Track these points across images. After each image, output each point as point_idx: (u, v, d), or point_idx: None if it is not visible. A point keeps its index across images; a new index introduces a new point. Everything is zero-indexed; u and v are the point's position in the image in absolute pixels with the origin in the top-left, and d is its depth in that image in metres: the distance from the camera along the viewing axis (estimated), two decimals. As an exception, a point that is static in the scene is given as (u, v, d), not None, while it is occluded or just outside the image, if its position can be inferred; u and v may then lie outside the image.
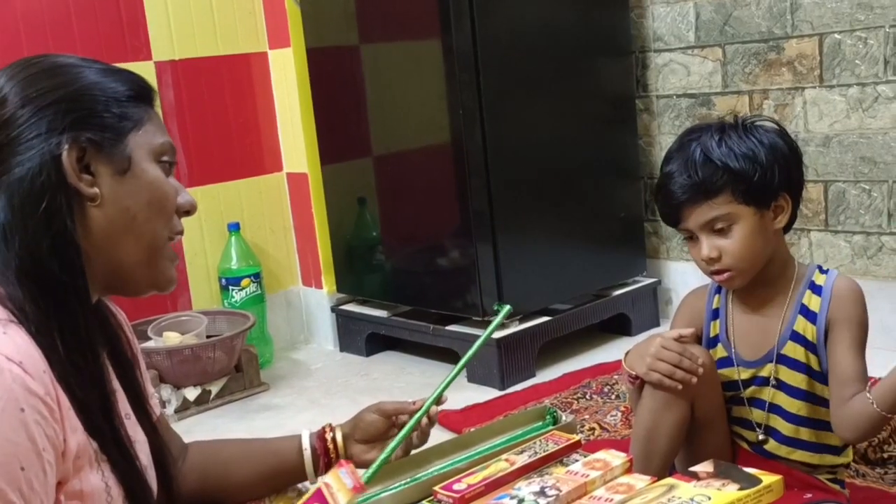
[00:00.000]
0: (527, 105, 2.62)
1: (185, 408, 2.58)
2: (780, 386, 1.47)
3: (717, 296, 1.55)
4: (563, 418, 1.36)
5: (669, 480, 1.08)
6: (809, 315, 1.44)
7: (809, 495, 1.45)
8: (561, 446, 1.22)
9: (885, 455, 1.85)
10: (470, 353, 1.35)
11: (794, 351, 1.45)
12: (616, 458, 1.15)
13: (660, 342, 1.45)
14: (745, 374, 1.49)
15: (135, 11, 2.77)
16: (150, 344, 2.60)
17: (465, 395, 2.49)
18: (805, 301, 1.45)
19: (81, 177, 1.03)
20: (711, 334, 1.54)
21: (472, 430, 1.60)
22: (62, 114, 1.03)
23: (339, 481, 1.15)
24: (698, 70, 2.81)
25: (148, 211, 1.08)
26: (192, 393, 2.60)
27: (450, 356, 2.73)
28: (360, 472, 1.28)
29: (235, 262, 2.93)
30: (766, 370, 1.47)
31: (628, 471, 1.14)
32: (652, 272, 2.99)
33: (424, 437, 1.39)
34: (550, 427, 1.34)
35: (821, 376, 1.44)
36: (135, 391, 1.18)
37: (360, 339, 2.99)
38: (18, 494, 0.91)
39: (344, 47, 2.87)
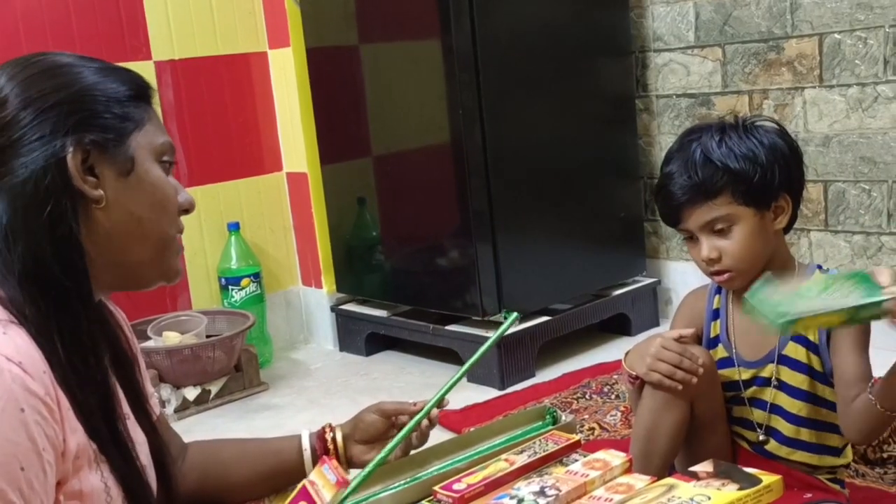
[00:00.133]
0: (527, 105, 2.62)
1: (184, 407, 2.58)
2: (782, 386, 1.46)
3: (717, 296, 1.54)
4: (563, 418, 1.36)
5: (669, 480, 1.08)
6: (810, 315, 1.44)
7: (809, 495, 1.45)
8: (560, 446, 1.22)
9: (885, 455, 1.85)
10: (473, 359, 1.34)
11: (796, 351, 1.45)
12: (616, 457, 1.15)
13: (660, 342, 1.45)
14: (746, 375, 1.49)
15: (134, 11, 2.76)
16: (149, 343, 2.60)
17: (465, 394, 2.49)
18: (806, 301, 1.45)
19: (86, 179, 1.03)
20: (712, 334, 1.54)
21: (472, 429, 1.60)
22: (65, 116, 1.02)
23: (323, 478, 1.16)
24: (698, 70, 2.81)
25: (152, 212, 1.08)
26: (191, 393, 2.60)
27: (450, 356, 2.73)
28: (354, 471, 1.29)
29: (235, 261, 2.93)
30: (768, 371, 1.47)
31: (628, 471, 1.14)
32: (652, 272, 2.99)
33: (424, 438, 1.39)
34: (550, 427, 1.33)
35: (822, 377, 1.44)
36: (134, 391, 1.18)
37: (360, 338, 2.99)
38: (18, 494, 0.91)
39: (344, 47, 2.87)
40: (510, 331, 2.57)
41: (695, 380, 1.43)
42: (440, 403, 1.34)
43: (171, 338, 2.63)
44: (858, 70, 2.47)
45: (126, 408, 1.14)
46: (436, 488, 1.15)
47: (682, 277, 2.90)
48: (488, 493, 1.12)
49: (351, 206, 2.95)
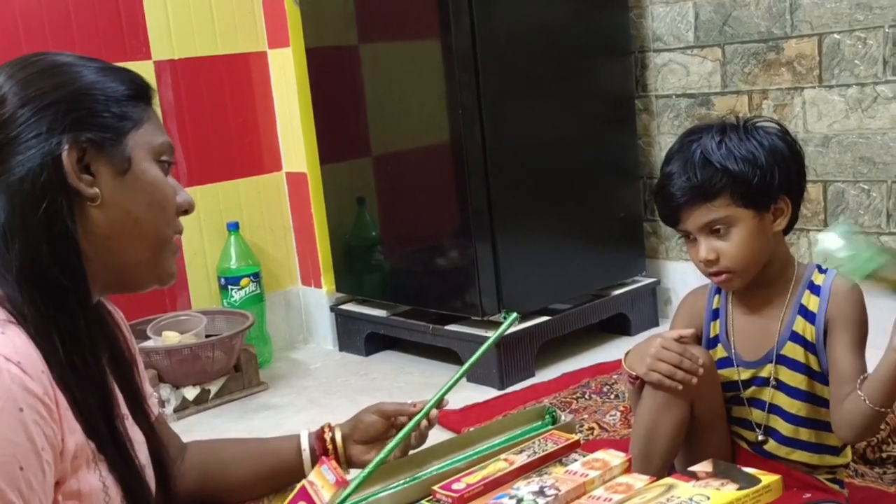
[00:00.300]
0: (526, 105, 2.62)
1: (183, 407, 2.58)
2: (780, 386, 1.47)
3: (716, 296, 1.54)
4: (563, 418, 1.36)
5: (668, 480, 1.08)
6: (808, 315, 1.44)
7: (808, 495, 1.45)
8: (560, 446, 1.22)
9: (884, 455, 1.85)
10: (472, 359, 1.34)
11: (794, 351, 1.45)
12: (615, 457, 1.15)
13: (660, 342, 1.45)
14: (745, 375, 1.49)
15: (134, 11, 2.76)
16: (149, 343, 2.60)
17: (465, 394, 2.49)
18: (804, 301, 1.45)
19: (81, 177, 1.03)
20: (711, 335, 1.54)
21: (471, 429, 1.60)
22: (62, 114, 1.02)
23: (322, 478, 1.16)
24: (697, 70, 2.81)
25: (149, 212, 1.08)
26: (191, 392, 2.60)
27: (449, 356, 2.73)
28: (353, 471, 1.29)
29: (234, 261, 2.92)
30: (766, 371, 1.47)
31: (627, 470, 1.14)
32: (651, 272, 2.99)
33: (423, 438, 1.39)
34: (549, 427, 1.33)
35: (821, 377, 1.44)
36: (132, 391, 1.18)
37: (360, 338, 2.99)
38: (17, 494, 0.91)
39: (343, 47, 2.87)
40: (510, 331, 2.57)
41: (695, 380, 1.43)
42: (439, 404, 1.34)
43: (171, 337, 2.63)
44: (858, 70, 2.47)
45: (124, 408, 1.14)
46: (435, 488, 1.15)
47: (682, 277, 2.90)
48: (487, 493, 1.12)
49: (350, 205, 2.95)
